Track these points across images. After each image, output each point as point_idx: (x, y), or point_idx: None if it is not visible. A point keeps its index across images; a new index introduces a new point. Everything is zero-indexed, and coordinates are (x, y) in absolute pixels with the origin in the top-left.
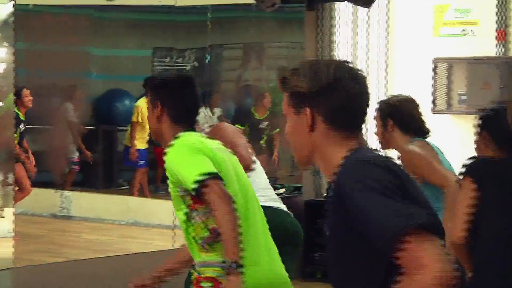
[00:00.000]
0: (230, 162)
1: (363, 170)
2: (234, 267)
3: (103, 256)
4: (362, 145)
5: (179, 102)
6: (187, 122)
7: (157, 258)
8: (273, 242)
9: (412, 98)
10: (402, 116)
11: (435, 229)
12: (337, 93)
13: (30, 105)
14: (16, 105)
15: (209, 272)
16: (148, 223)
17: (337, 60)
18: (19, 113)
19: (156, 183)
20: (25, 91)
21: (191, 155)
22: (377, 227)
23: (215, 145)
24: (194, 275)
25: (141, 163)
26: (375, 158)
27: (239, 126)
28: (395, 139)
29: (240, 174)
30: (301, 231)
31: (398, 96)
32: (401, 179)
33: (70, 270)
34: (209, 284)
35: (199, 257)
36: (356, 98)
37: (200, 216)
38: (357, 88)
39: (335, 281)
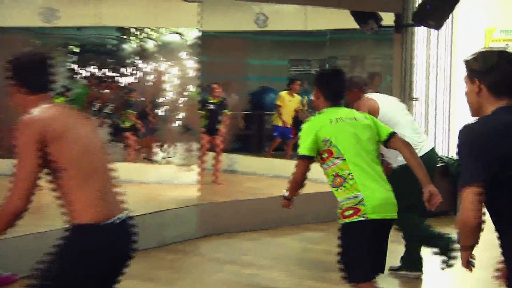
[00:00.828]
0: (350, 128)
1: (468, 132)
2: (285, 195)
3: (256, 197)
4: (509, 105)
5: (329, 87)
6: (332, 101)
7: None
8: (383, 177)
9: None
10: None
11: (483, 182)
12: (497, 72)
13: (219, 95)
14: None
15: (348, 204)
16: (286, 176)
17: (499, 50)
18: (211, 100)
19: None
20: (214, 85)
21: (303, 135)
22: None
23: (339, 117)
24: (339, 211)
25: (277, 134)
26: (484, 124)
27: None
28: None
29: (359, 135)
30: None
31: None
32: (491, 142)
33: (235, 206)
34: (351, 212)
35: (341, 197)
36: (509, 76)
37: (324, 168)
38: (510, 69)
39: None
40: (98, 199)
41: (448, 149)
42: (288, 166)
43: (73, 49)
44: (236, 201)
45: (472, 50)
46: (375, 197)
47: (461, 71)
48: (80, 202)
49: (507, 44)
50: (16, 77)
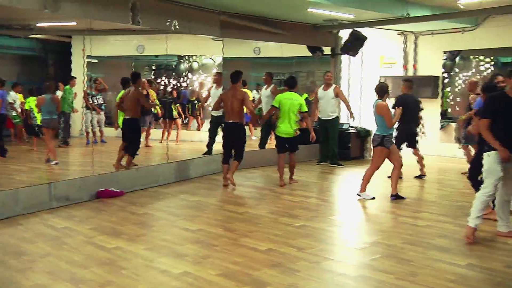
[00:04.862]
0: (290, 103)
1: None
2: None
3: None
4: None
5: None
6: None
7: None
8: (293, 122)
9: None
10: None
11: None
12: None
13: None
14: None
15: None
16: None
17: None
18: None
19: None
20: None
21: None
22: None
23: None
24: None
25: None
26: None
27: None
28: None
29: (288, 104)
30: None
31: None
32: None
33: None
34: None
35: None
36: None
37: None
38: None
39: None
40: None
41: (359, 122)
42: None
43: (153, 67)
44: None
45: (372, 69)
46: (282, 126)
47: (368, 79)
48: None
49: (391, 65)
50: None
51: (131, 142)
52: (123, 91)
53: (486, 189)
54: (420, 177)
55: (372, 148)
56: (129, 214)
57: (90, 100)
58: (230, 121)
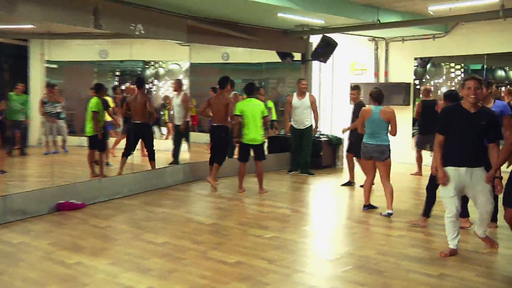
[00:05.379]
0: (252, 109)
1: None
2: None
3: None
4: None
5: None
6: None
7: None
8: (259, 128)
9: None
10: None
11: None
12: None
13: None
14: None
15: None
16: None
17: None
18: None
19: None
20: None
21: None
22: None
23: (247, 103)
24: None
25: None
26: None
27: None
28: None
29: (250, 110)
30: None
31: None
32: None
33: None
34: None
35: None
36: None
37: None
38: None
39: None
40: None
41: (331, 130)
42: None
43: (117, 73)
44: None
45: (343, 75)
46: (248, 134)
47: (339, 86)
48: None
49: (362, 72)
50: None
51: (149, 147)
52: (96, 98)
53: (447, 211)
54: (350, 183)
55: (360, 159)
56: (91, 227)
57: (48, 109)
58: (215, 124)
